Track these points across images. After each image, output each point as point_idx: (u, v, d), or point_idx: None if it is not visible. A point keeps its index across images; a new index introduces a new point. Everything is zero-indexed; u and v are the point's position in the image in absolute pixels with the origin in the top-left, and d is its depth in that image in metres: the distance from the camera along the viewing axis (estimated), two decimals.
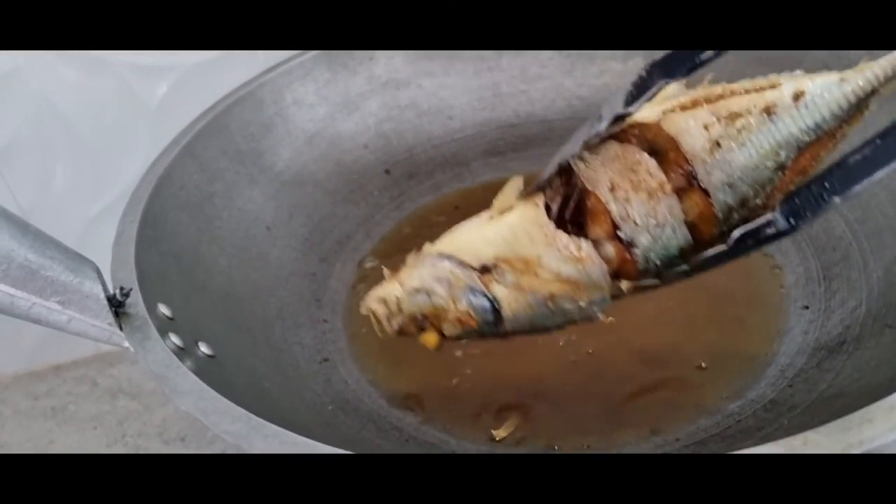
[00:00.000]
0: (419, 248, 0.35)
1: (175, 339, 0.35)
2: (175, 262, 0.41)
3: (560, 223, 0.33)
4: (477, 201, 0.51)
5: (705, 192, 0.32)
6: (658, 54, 0.31)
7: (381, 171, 0.53)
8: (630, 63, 0.55)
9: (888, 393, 0.27)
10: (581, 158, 0.33)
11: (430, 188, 0.53)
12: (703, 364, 0.39)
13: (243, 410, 0.30)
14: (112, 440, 0.58)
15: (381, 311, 0.34)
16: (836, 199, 0.29)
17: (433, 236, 0.43)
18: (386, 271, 0.35)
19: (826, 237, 0.43)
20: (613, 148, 0.33)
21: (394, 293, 0.34)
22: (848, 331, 0.39)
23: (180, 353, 0.34)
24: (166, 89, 0.57)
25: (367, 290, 0.46)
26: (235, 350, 0.39)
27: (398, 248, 0.50)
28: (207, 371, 0.34)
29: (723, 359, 0.40)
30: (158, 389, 0.61)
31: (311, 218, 0.49)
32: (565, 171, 0.34)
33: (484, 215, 0.34)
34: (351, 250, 0.49)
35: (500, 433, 0.38)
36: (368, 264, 0.49)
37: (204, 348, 0.37)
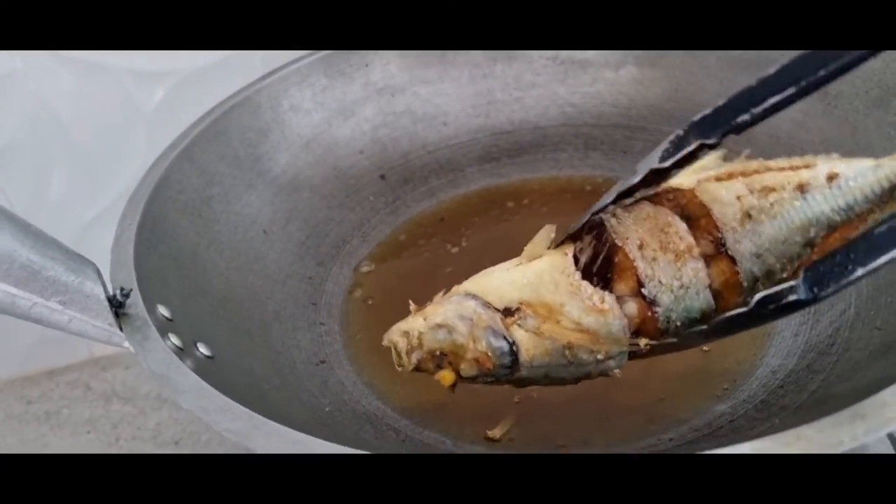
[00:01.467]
0: (413, 253, 0.36)
1: (174, 339, 0.35)
2: (174, 265, 0.41)
3: (586, 274, 0.34)
4: (468, 208, 0.52)
5: (732, 260, 0.33)
6: (696, 115, 0.32)
7: (377, 176, 0.53)
8: (622, 71, 0.55)
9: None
10: (613, 215, 0.34)
11: (425, 193, 0.54)
12: (696, 364, 0.40)
13: (244, 408, 0.30)
14: (106, 444, 0.58)
15: (402, 344, 0.34)
16: (860, 271, 0.29)
17: (427, 242, 0.43)
18: (412, 306, 0.35)
19: None
20: (646, 208, 0.34)
21: (417, 327, 0.34)
22: (837, 333, 0.39)
23: (180, 353, 0.34)
24: (163, 94, 0.57)
25: (363, 295, 0.47)
26: (233, 351, 0.40)
27: (393, 252, 0.50)
28: (206, 371, 0.34)
29: (714, 360, 0.40)
30: (152, 393, 0.62)
31: (308, 222, 0.50)
32: (597, 226, 0.34)
33: (514, 260, 0.35)
34: (347, 255, 0.50)
35: (494, 433, 0.38)
36: (364, 269, 0.49)
37: (203, 349, 0.37)
